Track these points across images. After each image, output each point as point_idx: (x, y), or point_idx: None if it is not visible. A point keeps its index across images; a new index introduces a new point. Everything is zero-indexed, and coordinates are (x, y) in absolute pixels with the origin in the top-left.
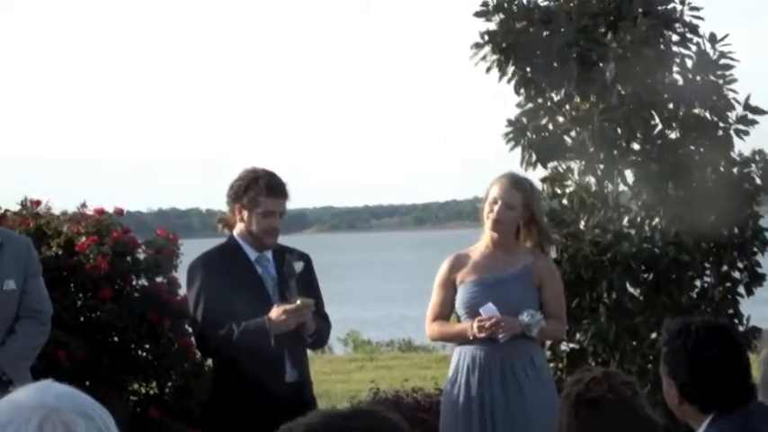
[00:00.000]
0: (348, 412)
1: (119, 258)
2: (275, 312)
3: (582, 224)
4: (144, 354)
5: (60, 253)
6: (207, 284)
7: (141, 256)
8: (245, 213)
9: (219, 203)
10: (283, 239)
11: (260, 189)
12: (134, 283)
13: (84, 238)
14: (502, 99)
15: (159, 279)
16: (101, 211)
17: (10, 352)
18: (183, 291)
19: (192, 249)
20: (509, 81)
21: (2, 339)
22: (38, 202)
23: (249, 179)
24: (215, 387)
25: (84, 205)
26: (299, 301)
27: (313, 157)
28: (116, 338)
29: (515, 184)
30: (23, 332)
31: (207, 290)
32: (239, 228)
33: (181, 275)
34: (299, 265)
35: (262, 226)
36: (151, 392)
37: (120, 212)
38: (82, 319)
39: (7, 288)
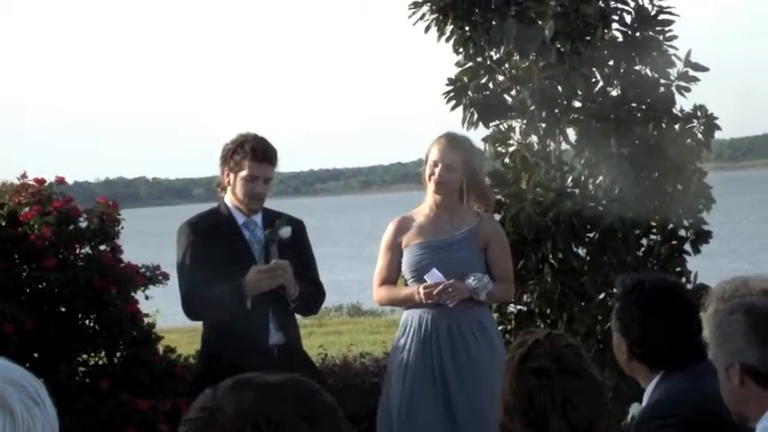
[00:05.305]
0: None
1: (62, 227)
2: (250, 274)
3: (523, 184)
4: (91, 323)
5: (4, 224)
6: (193, 247)
7: (84, 224)
8: (232, 177)
9: (166, 172)
10: None
11: (245, 153)
12: (78, 251)
13: (26, 209)
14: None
15: (103, 247)
16: (41, 181)
17: None
18: (126, 257)
19: (137, 217)
20: (447, 40)
21: None
22: None
23: (238, 143)
24: (203, 350)
25: (24, 176)
26: (272, 262)
27: (258, 121)
28: (63, 308)
29: (454, 144)
30: None
31: (192, 252)
32: (229, 191)
33: (123, 242)
34: (285, 231)
35: (245, 190)
36: (100, 362)
37: (61, 181)
38: (28, 290)
39: None
